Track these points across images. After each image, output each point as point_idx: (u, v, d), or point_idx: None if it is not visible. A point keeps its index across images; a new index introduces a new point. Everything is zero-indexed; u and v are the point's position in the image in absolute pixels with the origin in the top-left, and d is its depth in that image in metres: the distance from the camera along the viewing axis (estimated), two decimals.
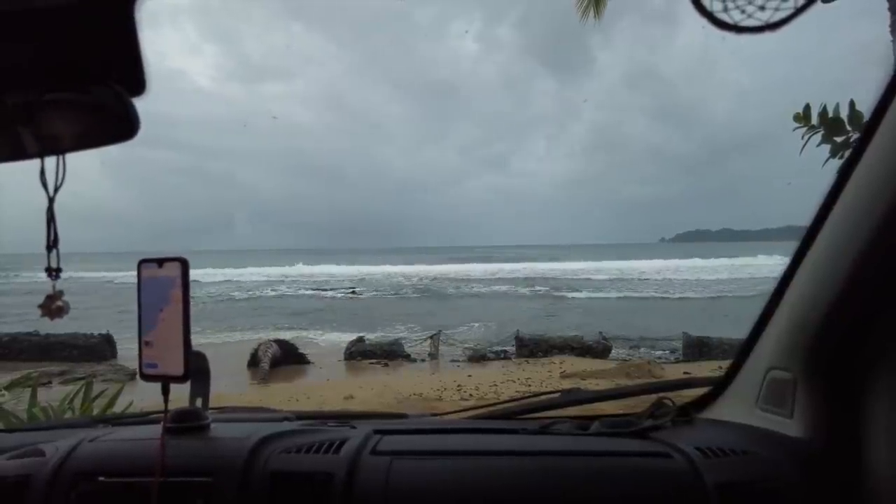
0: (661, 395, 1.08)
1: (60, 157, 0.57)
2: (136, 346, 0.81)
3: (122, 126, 0.57)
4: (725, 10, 0.46)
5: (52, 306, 0.64)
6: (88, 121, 0.57)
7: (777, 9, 0.45)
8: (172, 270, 0.79)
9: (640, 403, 1.10)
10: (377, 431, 0.96)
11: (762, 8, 0.45)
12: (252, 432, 0.91)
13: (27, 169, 0.57)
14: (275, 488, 0.81)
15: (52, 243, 0.60)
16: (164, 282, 0.79)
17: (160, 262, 0.80)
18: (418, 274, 40.21)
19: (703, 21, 0.48)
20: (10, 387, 3.67)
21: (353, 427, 1.01)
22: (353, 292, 28.13)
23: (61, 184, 0.58)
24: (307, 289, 29.93)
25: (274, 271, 42.60)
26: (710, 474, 0.79)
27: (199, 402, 1.02)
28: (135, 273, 0.80)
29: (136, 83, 0.52)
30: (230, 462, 0.83)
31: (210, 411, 1.02)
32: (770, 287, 0.90)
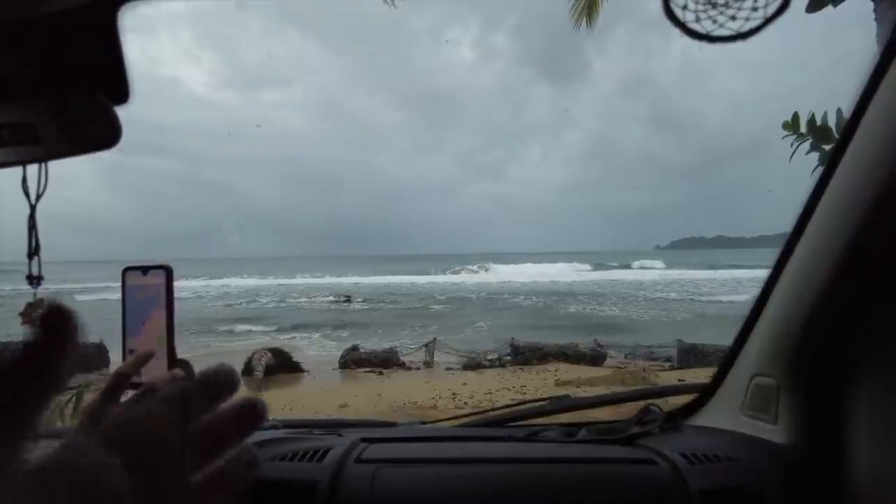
0: (649, 401, 1.08)
1: (42, 165, 0.57)
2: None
3: (105, 135, 0.57)
4: (697, 20, 0.47)
5: (34, 314, 0.63)
6: (72, 129, 0.57)
7: (747, 18, 0.46)
8: (157, 278, 0.78)
9: (632, 410, 1.09)
10: (364, 440, 0.96)
11: (733, 18, 0.46)
12: None
13: (10, 175, 0.57)
14: (258, 497, 0.81)
15: (34, 251, 0.60)
16: (149, 290, 0.78)
17: (144, 269, 0.79)
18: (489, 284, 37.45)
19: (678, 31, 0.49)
20: None
21: (340, 435, 1.01)
22: (348, 300, 28.30)
23: (43, 191, 0.58)
24: (303, 298, 29.78)
25: (266, 283, 42.59)
26: (694, 481, 0.79)
27: None
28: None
29: (121, 92, 0.53)
30: None
31: None
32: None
